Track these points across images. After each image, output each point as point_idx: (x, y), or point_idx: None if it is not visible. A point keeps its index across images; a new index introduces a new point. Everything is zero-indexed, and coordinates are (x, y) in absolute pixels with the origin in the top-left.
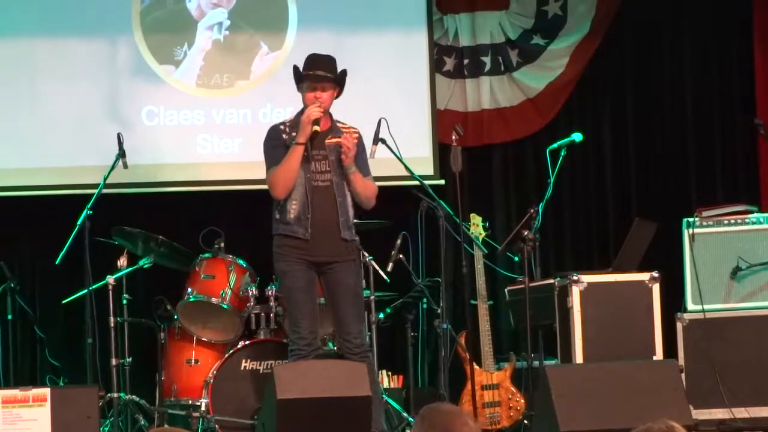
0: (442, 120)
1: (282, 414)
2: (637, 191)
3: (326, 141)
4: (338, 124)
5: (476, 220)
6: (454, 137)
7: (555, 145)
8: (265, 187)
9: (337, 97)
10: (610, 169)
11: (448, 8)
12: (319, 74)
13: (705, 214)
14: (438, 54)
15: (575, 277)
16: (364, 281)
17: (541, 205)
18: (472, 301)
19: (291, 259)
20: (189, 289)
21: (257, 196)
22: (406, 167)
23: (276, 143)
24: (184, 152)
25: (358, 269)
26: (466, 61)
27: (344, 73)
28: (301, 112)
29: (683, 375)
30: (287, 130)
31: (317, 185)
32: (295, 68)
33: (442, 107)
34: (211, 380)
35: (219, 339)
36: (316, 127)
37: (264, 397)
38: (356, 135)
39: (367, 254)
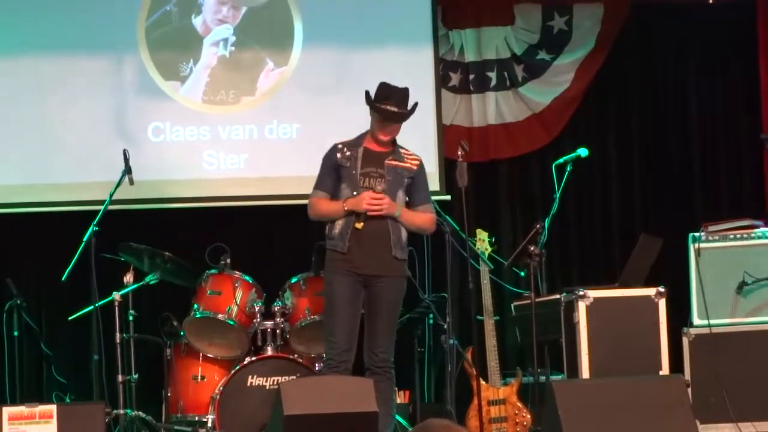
0: (447, 135)
1: (289, 430)
2: (642, 206)
3: (386, 161)
4: (401, 150)
5: (482, 235)
6: (459, 153)
7: (561, 161)
8: (270, 202)
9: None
10: (616, 184)
11: (454, 24)
12: (398, 112)
13: (711, 229)
14: (444, 69)
15: (581, 293)
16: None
17: (547, 221)
18: (479, 317)
19: (336, 271)
20: (195, 306)
21: (263, 212)
22: None
23: (328, 165)
24: (190, 168)
25: (404, 286)
26: (471, 77)
27: (415, 107)
28: (365, 134)
29: (689, 390)
30: (344, 150)
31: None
32: (368, 95)
33: (447, 123)
34: (218, 396)
35: (225, 355)
36: (358, 225)
37: (271, 414)
38: (416, 163)
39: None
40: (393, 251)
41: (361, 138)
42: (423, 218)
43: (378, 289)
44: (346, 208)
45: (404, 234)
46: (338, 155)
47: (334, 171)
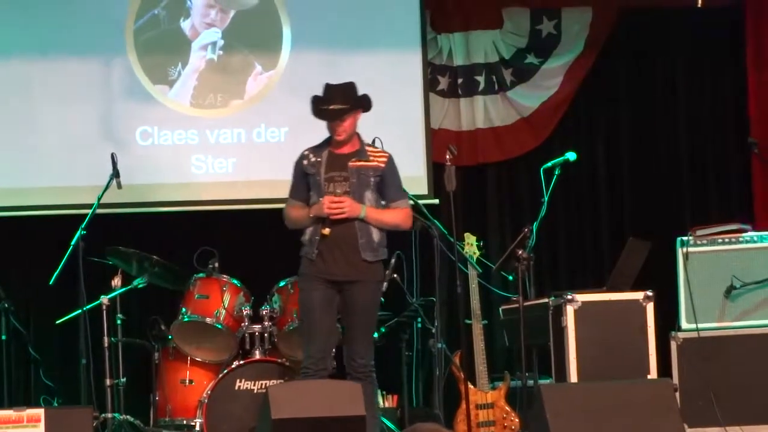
0: (436, 139)
1: None
2: (631, 210)
3: (350, 163)
4: (367, 148)
5: (470, 239)
6: (448, 156)
7: (549, 164)
8: (259, 206)
9: (365, 112)
10: (604, 188)
11: (442, 28)
12: (331, 109)
13: (699, 233)
14: (432, 73)
15: (569, 297)
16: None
17: (535, 225)
18: (467, 321)
19: (309, 278)
20: (183, 309)
21: (251, 216)
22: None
23: (296, 173)
24: (178, 172)
25: (379, 289)
26: (460, 81)
27: (362, 97)
28: (327, 140)
29: (677, 394)
30: (310, 156)
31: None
32: (312, 102)
33: (436, 126)
34: (206, 400)
35: (213, 359)
36: (325, 232)
37: (259, 417)
38: (383, 160)
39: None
40: (362, 254)
41: (325, 142)
42: (393, 215)
43: (351, 294)
44: (311, 215)
45: (376, 235)
46: (305, 162)
47: (304, 178)
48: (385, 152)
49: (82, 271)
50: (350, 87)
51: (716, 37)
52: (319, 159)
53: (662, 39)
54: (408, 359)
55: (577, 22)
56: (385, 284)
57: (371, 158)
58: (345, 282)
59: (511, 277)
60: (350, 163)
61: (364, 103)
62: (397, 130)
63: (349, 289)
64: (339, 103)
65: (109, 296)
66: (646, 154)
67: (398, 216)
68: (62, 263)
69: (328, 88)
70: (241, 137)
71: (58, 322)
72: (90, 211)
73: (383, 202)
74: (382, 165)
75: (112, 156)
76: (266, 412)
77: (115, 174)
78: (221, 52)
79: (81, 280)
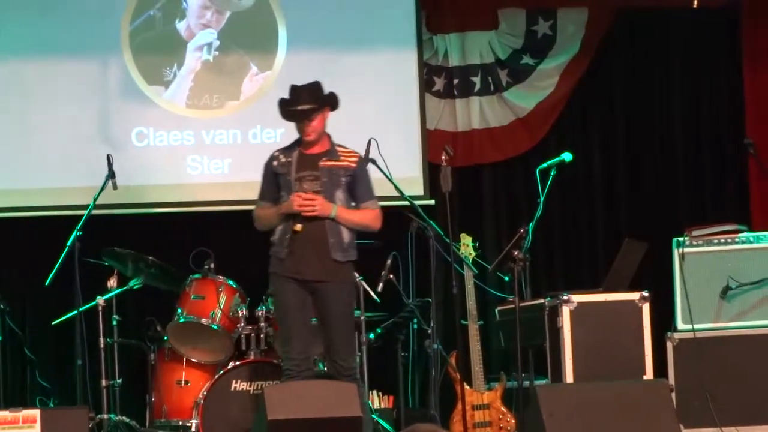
0: (431, 140)
1: None
2: (626, 211)
3: (321, 162)
4: (337, 148)
5: (466, 240)
6: (443, 157)
7: (545, 165)
8: (254, 207)
9: (333, 110)
10: (600, 188)
11: (438, 28)
12: (298, 110)
13: (695, 233)
14: (428, 74)
15: (565, 297)
16: (355, 302)
17: (531, 225)
18: (463, 321)
19: (280, 279)
20: (179, 310)
21: (247, 217)
22: (396, 187)
23: (266, 174)
24: (173, 173)
25: (351, 290)
26: (455, 81)
27: (328, 96)
28: (298, 141)
29: (673, 394)
30: (280, 157)
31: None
32: (279, 105)
33: (431, 127)
34: (202, 401)
35: (209, 360)
36: (297, 228)
37: (255, 418)
38: (354, 160)
39: (357, 275)
40: (332, 254)
41: (296, 143)
42: (364, 215)
43: (323, 295)
44: (281, 212)
45: (346, 235)
46: (275, 163)
47: (274, 179)
48: (355, 152)
49: (77, 272)
50: (317, 86)
51: (712, 37)
52: (289, 159)
53: (658, 39)
54: (404, 360)
55: (573, 23)
56: (381, 285)
57: (342, 158)
58: (315, 282)
59: (507, 278)
60: (321, 163)
61: (331, 102)
62: (393, 130)
63: (321, 291)
64: (306, 103)
65: (105, 297)
66: (642, 155)
67: (368, 216)
68: (58, 264)
69: (294, 89)
70: (237, 138)
71: (54, 323)
72: (86, 212)
73: (353, 203)
74: (354, 165)
75: (108, 157)
76: (262, 413)
77: (111, 175)
78: (217, 53)
79: (77, 281)
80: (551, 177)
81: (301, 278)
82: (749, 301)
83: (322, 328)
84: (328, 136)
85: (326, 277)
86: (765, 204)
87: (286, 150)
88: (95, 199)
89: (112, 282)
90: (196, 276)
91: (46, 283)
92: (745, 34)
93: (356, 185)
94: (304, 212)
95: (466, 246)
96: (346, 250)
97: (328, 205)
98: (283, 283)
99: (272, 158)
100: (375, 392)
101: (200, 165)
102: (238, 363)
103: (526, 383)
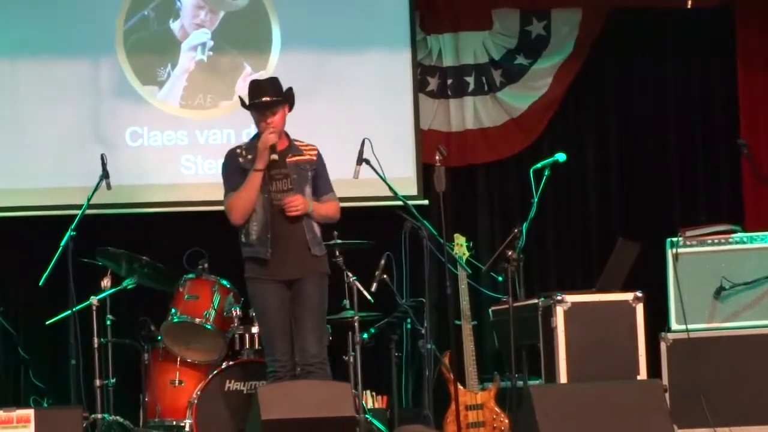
0: (425, 140)
1: None
2: (620, 211)
3: (287, 159)
4: (296, 143)
5: (460, 240)
6: (437, 157)
7: (539, 165)
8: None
9: (290, 111)
10: (594, 188)
11: (432, 28)
12: (264, 101)
13: (688, 234)
14: (421, 74)
15: (559, 297)
16: (347, 301)
17: (525, 225)
18: (456, 322)
19: (260, 281)
20: (173, 310)
21: None
22: (390, 188)
23: (233, 168)
24: (167, 173)
25: (326, 282)
26: (449, 81)
27: (290, 90)
28: (256, 136)
29: (667, 394)
30: (243, 153)
31: (279, 204)
32: (241, 99)
33: (425, 127)
34: (195, 401)
35: (203, 360)
36: (274, 156)
37: (248, 418)
38: (314, 153)
39: (351, 274)
40: (312, 249)
41: (255, 138)
42: (328, 208)
43: (298, 288)
44: (258, 168)
45: (317, 229)
46: (240, 159)
47: (242, 173)
48: (313, 145)
49: (71, 271)
50: (277, 81)
51: (706, 37)
52: (253, 156)
53: (652, 40)
54: (397, 360)
55: (567, 23)
56: (375, 285)
57: (305, 152)
58: (296, 279)
59: (500, 278)
60: (288, 159)
61: (290, 98)
62: (387, 130)
63: (297, 284)
64: (272, 94)
65: (99, 297)
66: (635, 155)
67: (332, 208)
68: (52, 264)
69: (256, 83)
70: (231, 138)
71: (47, 322)
72: (79, 212)
73: (314, 197)
74: (315, 158)
75: (102, 157)
76: (256, 412)
77: (105, 175)
78: (211, 53)
79: (71, 281)
80: (545, 177)
81: (284, 279)
82: (743, 301)
83: (293, 319)
84: (286, 133)
85: (306, 272)
86: (758, 204)
87: (248, 147)
88: (89, 199)
89: (106, 282)
90: (190, 276)
91: (40, 283)
92: (739, 34)
93: (318, 178)
94: (291, 213)
95: (460, 246)
96: (320, 244)
97: (306, 202)
98: (264, 285)
99: (235, 154)
100: (369, 392)
101: (194, 165)
102: (231, 363)
103: (520, 383)
